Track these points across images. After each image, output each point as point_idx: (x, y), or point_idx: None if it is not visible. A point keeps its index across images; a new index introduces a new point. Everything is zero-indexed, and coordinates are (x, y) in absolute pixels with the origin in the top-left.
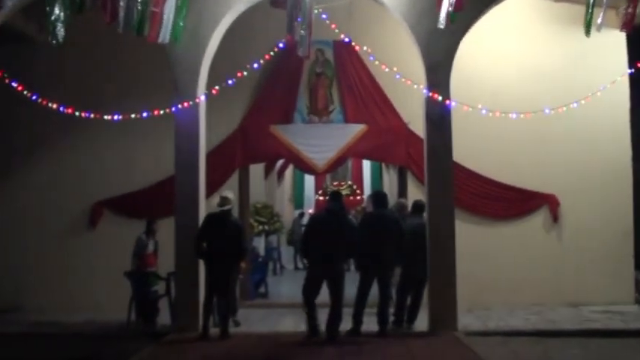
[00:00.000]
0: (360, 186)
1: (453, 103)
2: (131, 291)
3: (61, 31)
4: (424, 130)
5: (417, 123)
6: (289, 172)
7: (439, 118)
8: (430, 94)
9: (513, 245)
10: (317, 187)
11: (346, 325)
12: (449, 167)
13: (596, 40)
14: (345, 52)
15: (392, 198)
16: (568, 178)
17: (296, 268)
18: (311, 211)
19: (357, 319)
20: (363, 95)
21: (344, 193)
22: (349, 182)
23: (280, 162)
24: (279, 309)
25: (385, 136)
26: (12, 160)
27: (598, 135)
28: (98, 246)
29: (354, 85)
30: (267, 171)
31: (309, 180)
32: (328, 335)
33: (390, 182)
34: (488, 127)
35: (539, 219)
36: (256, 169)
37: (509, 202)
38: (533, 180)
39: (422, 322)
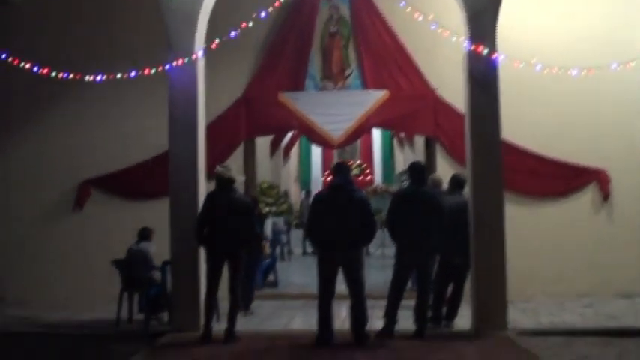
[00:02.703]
0: (370, 165)
1: (500, 57)
2: (121, 283)
3: None
4: (465, 91)
5: (446, 88)
6: (295, 150)
7: (483, 75)
8: (472, 47)
9: (557, 228)
10: (324, 167)
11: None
12: (496, 134)
13: None
14: (363, 7)
15: None
16: (620, 151)
17: (304, 252)
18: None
19: (391, 317)
20: (384, 57)
21: (352, 173)
22: (358, 161)
23: (287, 138)
24: (290, 300)
25: (410, 103)
26: None
27: None
28: (85, 230)
29: (373, 45)
30: (273, 149)
31: (316, 159)
32: (355, 337)
33: (404, 162)
34: (528, 93)
35: (587, 198)
36: (261, 147)
37: (553, 179)
38: (580, 154)
39: (463, 319)
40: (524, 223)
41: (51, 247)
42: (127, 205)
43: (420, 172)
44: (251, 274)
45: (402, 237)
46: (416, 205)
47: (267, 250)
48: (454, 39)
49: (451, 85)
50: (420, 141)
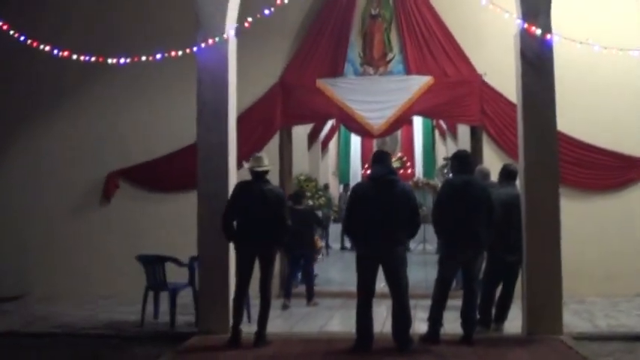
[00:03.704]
0: (411, 158)
1: (555, 38)
2: (146, 280)
3: None
4: (517, 75)
5: (493, 74)
6: (333, 142)
7: (537, 57)
8: (525, 25)
9: (611, 223)
10: (364, 159)
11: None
12: (551, 122)
13: None
14: None
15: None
16: None
17: (343, 247)
18: None
19: (435, 320)
20: (429, 41)
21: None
22: (399, 154)
23: (326, 129)
24: (328, 299)
25: (455, 90)
26: (10, 124)
27: None
28: (113, 223)
29: (417, 28)
30: (311, 141)
31: (356, 151)
32: (397, 343)
33: (447, 154)
34: (581, 78)
35: None
36: (298, 139)
37: (606, 171)
38: (635, 143)
39: (512, 322)
40: (576, 218)
41: (77, 241)
42: (155, 197)
43: (466, 161)
44: (308, 266)
45: (449, 232)
46: (466, 196)
47: (320, 244)
48: (507, 16)
49: (499, 71)
50: (463, 132)
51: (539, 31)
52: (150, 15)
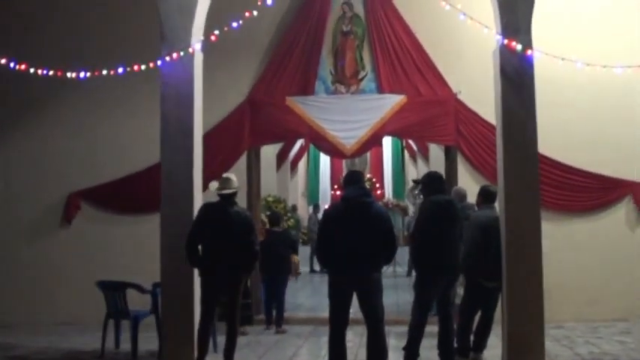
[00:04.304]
0: (380, 179)
1: (536, 54)
2: (106, 308)
3: None
4: (496, 91)
5: (468, 93)
6: (303, 162)
7: (517, 74)
8: (505, 41)
9: (589, 246)
10: (333, 180)
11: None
12: (532, 141)
13: None
14: (378, 4)
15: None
16: None
17: (312, 270)
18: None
19: (412, 350)
20: (402, 58)
21: None
22: (368, 175)
23: (295, 149)
24: (297, 326)
25: (429, 109)
26: None
27: None
28: (74, 247)
29: (390, 45)
30: (280, 161)
31: (325, 172)
32: None
33: (417, 175)
34: (559, 96)
35: (621, 213)
36: (267, 159)
37: (584, 193)
38: (614, 164)
39: (492, 351)
40: (553, 241)
41: (35, 265)
42: (119, 219)
43: (441, 181)
44: (282, 291)
45: (434, 252)
46: (451, 216)
47: (296, 261)
48: (485, 31)
49: (474, 90)
50: (436, 153)
51: (519, 47)
52: (114, 29)
